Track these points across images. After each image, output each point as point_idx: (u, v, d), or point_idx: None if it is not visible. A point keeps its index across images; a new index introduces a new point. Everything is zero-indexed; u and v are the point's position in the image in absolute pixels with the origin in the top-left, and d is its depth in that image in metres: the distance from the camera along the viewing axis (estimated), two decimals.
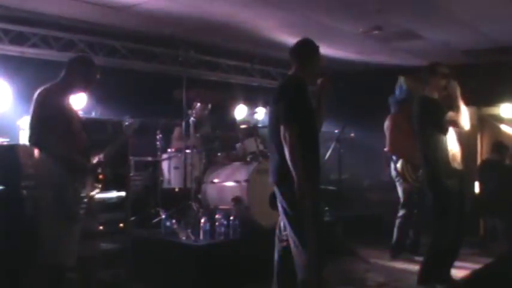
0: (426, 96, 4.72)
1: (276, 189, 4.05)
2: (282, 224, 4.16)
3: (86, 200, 3.69)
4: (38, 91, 3.69)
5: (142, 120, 4.63)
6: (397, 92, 6.50)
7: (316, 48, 4.11)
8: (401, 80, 6.31)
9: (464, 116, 4.55)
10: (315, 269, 3.81)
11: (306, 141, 3.84)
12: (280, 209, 4.02)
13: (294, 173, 3.75)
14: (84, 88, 3.91)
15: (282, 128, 3.80)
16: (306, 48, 4.12)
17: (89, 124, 4.20)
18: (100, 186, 3.88)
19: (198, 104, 6.34)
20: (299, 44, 4.14)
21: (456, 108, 4.53)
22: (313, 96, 4.12)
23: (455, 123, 4.56)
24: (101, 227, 4.60)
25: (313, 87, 4.17)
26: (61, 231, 3.54)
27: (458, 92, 4.57)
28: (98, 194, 3.90)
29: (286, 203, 3.91)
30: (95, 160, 3.86)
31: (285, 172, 3.83)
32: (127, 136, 4.30)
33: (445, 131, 4.58)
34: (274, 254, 4.27)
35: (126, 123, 4.23)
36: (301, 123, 3.82)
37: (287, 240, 4.05)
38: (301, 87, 3.95)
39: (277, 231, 4.23)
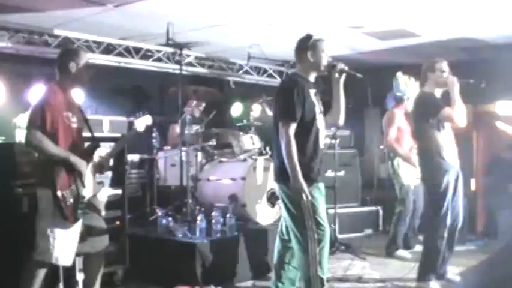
0: (424, 91, 4.76)
1: (277, 187, 4.11)
2: (283, 224, 4.18)
3: (85, 199, 3.67)
4: (40, 91, 3.70)
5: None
6: (394, 87, 6.50)
7: (308, 41, 4.03)
8: (398, 75, 6.31)
9: (461, 113, 4.57)
10: (318, 266, 3.81)
11: (302, 139, 3.87)
12: (281, 207, 4.07)
13: (288, 170, 3.80)
14: (78, 80, 3.74)
15: (279, 125, 3.87)
16: (299, 44, 4.10)
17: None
18: (102, 186, 3.87)
19: (194, 102, 6.33)
20: (297, 41, 4.13)
21: (454, 104, 4.55)
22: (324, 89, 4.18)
23: (450, 120, 4.58)
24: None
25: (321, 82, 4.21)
26: (57, 231, 3.52)
27: (456, 88, 4.58)
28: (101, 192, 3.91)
29: (286, 201, 3.95)
30: (97, 158, 3.82)
31: (282, 170, 3.88)
32: (137, 132, 4.09)
33: (440, 127, 4.61)
34: (274, 252, 4.27)
35: (139, 118, 4.07)
36: (297, 121, 3.84)
37: (288, 240, 4.07)
38: (294, 84, 3.92)
39: (279, 229, 4.26)
